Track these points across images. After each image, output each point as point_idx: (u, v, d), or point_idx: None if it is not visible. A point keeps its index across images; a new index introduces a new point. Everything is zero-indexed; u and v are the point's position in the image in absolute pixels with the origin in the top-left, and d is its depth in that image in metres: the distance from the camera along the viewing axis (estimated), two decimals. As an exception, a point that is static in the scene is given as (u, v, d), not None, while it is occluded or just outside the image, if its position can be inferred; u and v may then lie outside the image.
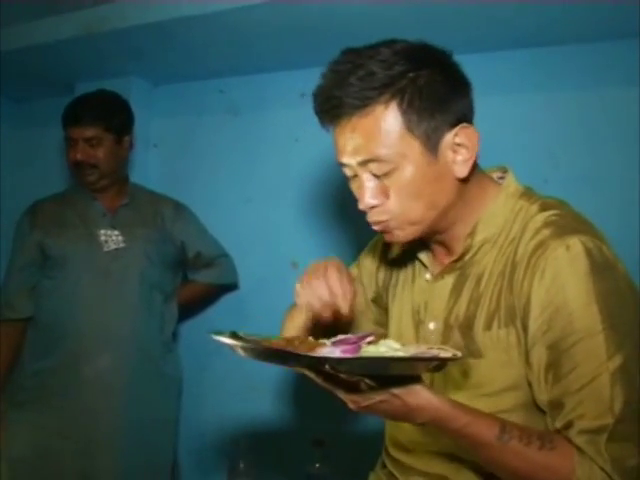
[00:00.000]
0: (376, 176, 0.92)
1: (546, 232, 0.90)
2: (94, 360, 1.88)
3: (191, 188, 2.31)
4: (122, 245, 1.94)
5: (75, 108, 1.91)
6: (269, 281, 2.23)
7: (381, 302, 1.20)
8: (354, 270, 1.24)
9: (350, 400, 0.83)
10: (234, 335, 0.88)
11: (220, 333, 0.87)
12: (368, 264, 1.22)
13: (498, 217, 0.97)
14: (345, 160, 0.93)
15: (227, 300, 2.31)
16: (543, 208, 0.95)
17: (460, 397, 0.96)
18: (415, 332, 1.06)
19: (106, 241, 1.93)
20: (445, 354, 0.81)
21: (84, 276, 1.91)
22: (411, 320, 1.08)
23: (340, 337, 0.83)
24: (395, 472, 1.10)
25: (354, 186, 0.97)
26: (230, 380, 2.24)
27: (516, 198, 0.98)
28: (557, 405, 0.86)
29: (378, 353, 0.80)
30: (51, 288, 1.93)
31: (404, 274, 1.14)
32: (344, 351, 0.78)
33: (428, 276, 1.06)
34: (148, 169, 2.38)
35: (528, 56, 1.90)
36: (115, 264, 1.93)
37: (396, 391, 0.80)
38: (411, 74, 0.88)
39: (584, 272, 0.85)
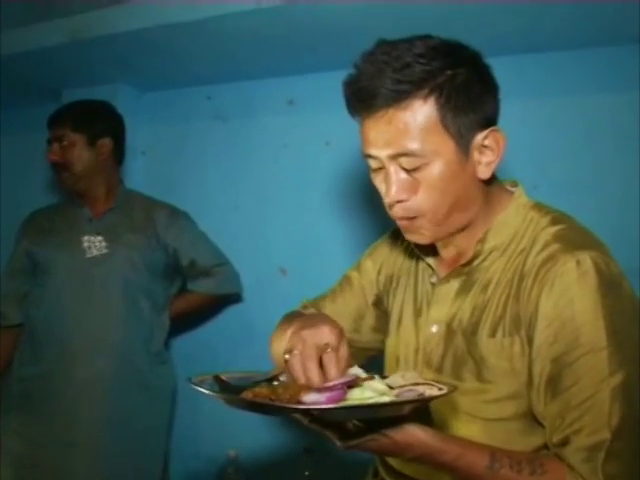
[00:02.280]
0: (405, 170, 0.92)
1: (556, 246, 0.91)
2: (77, 367, 1.86)
3: (179, 195, 2.29)
4: (105, 251, 1.92)
5: (54, 112, 1.95)
6: (258, 287, 2.22)
7: (381, 305, 1.20)
8: (354, 273, 1.24)
9: (338, 440, 0.83)
10: (217, 378, 0.89)
11: (203, 377, 0.88)
12: (369, 267, 1.22)
13: (509, 226, 0.98)
14: (374, 152, 0.92)
15: (218, 307, 2.29)
16: (554, 221, 0.96)
17: (463, 403, 0.97)
18: (416, 334, 1.06)
19: (89, 247, 1.91)
20: (431, 391, 0.81)
21: (67, 283, 1.90)
22: (412, 322, 1.08)
23: (325, 384, 0.82)
24: (387, 478, 1.10)
25: (378, 179, 0.97)
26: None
27: (527, 209, 1.00)
28: (556, 418, 0.87)
29: (363, 399, 0.79)
30: (39, 295, 1.93)
31: (406, 277, 1.14)
32: (329, 398, 0.77)
33: (434, 279, 1.06)
34: (136, 177, 2.37)
35: (527, 61, 1.90)
36: (98, 270, 1.90)
37: (384, 430, 0.81)
38: (449, 71, 0.89)
39: (593, 288, 0.86)
